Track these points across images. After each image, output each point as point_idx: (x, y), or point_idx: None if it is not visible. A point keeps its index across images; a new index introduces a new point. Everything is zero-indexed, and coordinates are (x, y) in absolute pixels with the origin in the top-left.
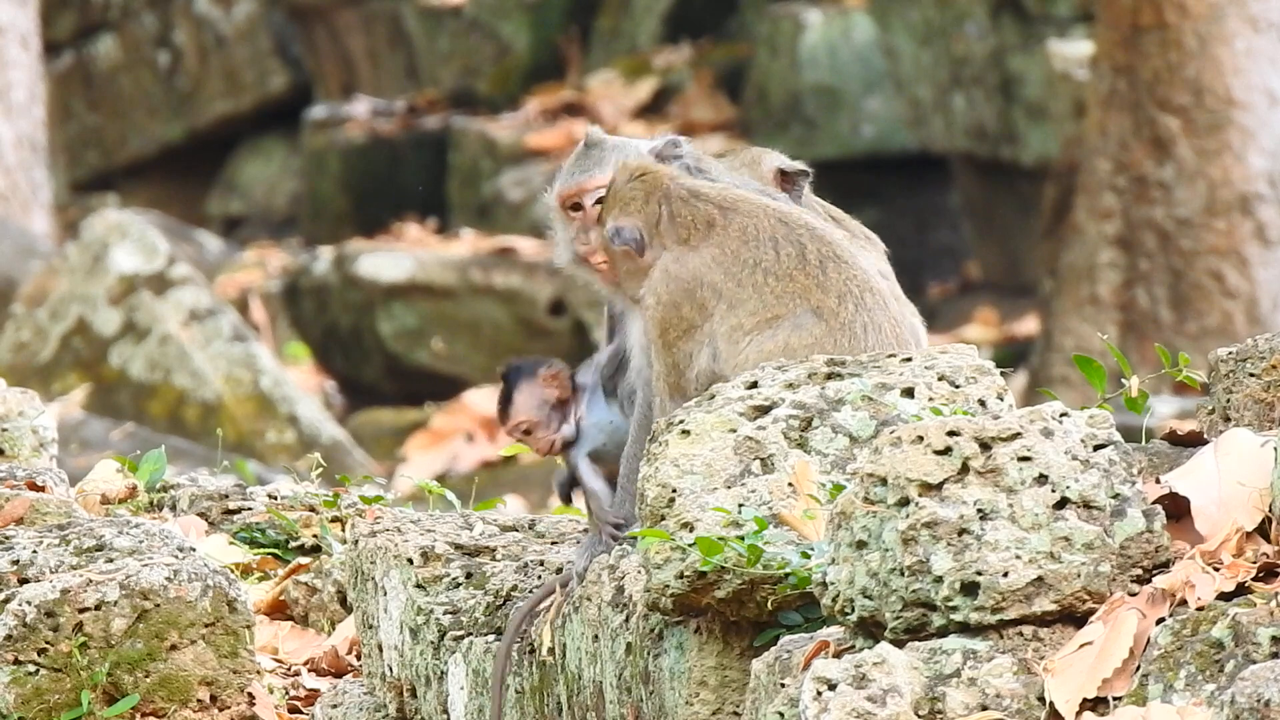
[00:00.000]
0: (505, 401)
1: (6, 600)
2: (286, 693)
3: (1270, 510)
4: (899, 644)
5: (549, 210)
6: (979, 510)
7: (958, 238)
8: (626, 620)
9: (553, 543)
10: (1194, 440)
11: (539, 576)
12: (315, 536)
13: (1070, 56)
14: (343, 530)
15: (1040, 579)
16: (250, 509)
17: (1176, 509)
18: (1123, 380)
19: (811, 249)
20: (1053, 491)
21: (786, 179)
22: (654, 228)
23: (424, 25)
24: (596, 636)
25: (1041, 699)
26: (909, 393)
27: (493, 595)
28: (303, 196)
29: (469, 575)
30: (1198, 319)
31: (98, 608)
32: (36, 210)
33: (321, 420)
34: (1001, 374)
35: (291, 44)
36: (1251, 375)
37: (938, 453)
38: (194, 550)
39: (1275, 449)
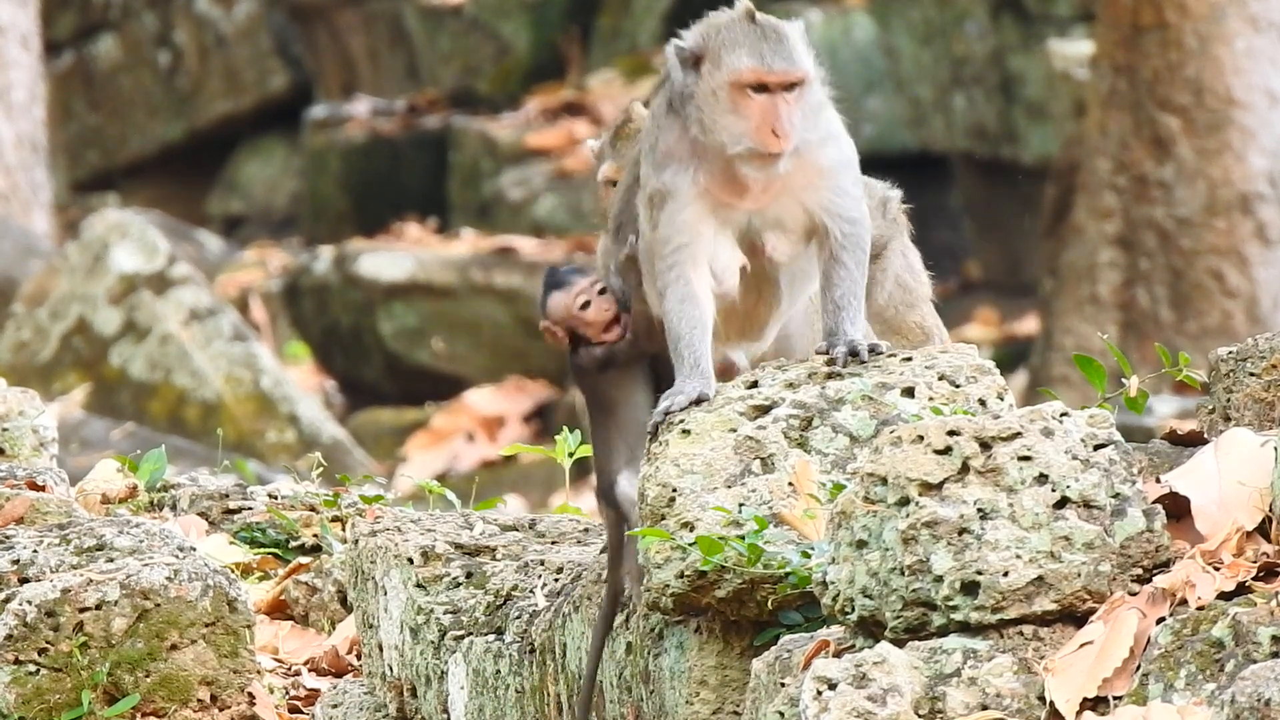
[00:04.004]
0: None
1: (7, 600)
2: (287, 692)
3: (1270, 510)
4: (899, 643)
5: (709, 90)
6: (979, 510)
7: (958, 237)
8: (627, 620)
9: (553, 542)
10: (1194, 440)
11: (539, 576)
12: (315, 536)
13: (1070, 56)
14: (343, 530)
15: (1040, 578)
16: (250, 509)
17: (1177, 508)
18: (1123, 380)
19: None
20: (1053, 491)
21: None
22: None
23: (424, 25)
24: None
25: (1042, 698)
26: (909, 392)
27: (493, 595)
28: (303, 196)
29: (469, 575)
30: (1198, 318)
31: (98, 607)
32: (37, 210)
33: (322, 420)
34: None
35: (292, 44)
36: (1252, 375)
37: (938, 452)
38: (194, 550)
39: (1275, 448)
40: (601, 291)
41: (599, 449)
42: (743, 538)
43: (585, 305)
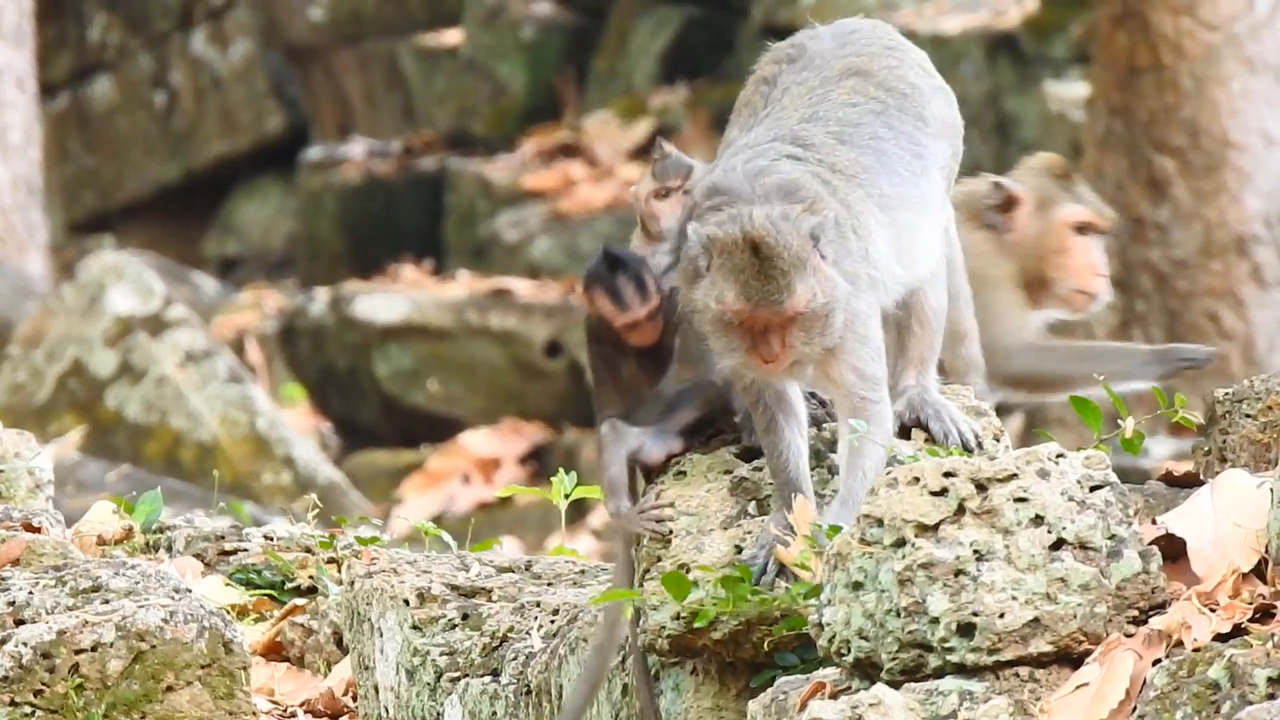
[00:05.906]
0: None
1: (3, 642)
2: None
3: (1266, 551)
4: (895, 685)
5: (703, 297)
6: (975, 551)
7: None
8: (623, 661)
9: (549, 584)
10: (1190, 481)
11: (535, 618)
12: (311, 578)
13: (1066, 97)
14: (339, 571)
15: (1036, 620)
16: (246, 550)
17: (1173, 550)
18: (1119, 421)
19: None
20: (1049, 532)
21: None
22: None
23: (420, 66)
24: None
25: None
26: (905, 434)
27: (489, 636)
28: (299, 237)
29: (465, 616)
30: None
31: (94, 649)
32: (33, 251)
33: (318, 461)
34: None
35: (288, 85)
36: (1248, 416)
37: (934, 494)
38: (190, 591)
39: (1271, 490)
40: (652, 316)
41: (603, 400)
42: (739, 580)
43: (632, 327)
